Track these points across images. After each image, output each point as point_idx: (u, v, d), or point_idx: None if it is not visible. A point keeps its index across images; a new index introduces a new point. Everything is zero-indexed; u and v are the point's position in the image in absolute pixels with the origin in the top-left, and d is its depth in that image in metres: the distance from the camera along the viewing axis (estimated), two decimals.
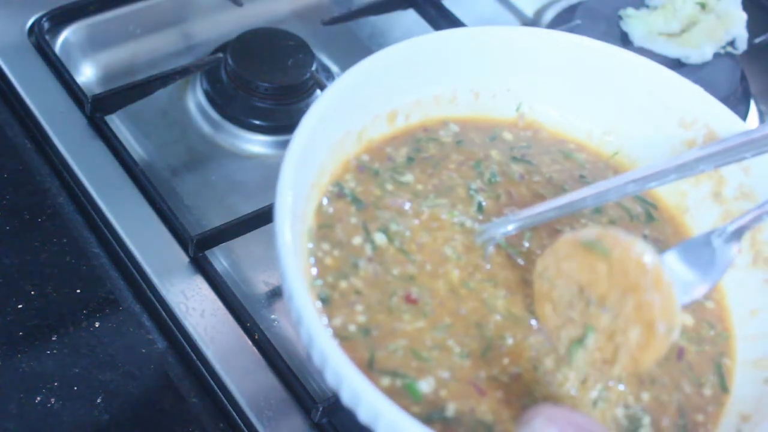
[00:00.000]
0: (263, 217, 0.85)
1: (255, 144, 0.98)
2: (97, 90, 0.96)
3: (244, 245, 0.86)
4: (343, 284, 0.61)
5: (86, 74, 1.01)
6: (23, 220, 0.83)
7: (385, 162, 0.70)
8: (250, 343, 0.77)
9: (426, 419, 0.54)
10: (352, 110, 0.67)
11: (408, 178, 0.69)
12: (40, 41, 0.96)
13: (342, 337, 0.58)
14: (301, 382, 0.75)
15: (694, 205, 0.74)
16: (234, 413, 0.74)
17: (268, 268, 0.86)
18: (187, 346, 0.77)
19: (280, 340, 0.80)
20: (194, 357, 0.77)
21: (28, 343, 0.75)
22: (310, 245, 0.63)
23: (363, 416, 0.50)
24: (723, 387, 0.65)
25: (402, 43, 0.69)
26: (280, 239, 0.55)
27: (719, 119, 0.72)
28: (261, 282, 0.85)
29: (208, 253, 0.83)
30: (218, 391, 0.75)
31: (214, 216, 0.89)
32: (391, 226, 0.65)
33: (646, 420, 0.61)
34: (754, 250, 0.70)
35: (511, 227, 0.65)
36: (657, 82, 0.74)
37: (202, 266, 0.82)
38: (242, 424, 0.73)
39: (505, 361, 0.60)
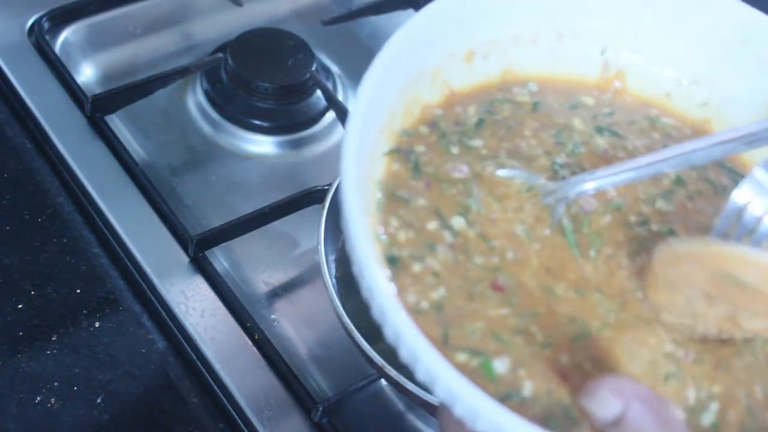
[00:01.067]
0: (263, 217, 0.85)
1: (255, 144, 0.98)
2: (97, 90, 0.96)
3: (244, 245, 0.86)
4: (417, 267, 0.57)
5: (86, 74, 1.01)
6: (23, 220, 0.83)
7: (452, 125, 0.66)
8: (250, 343, 0.77)
9: (502, 399, 0.53)
10: (427, 47, 0.64)
11: (477, 142, 0.65)
12: (40, 41, 0.96)
13: (415, 311, 0.56)
14: (301, 382, 0.75)
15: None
16: (234, 413, 0.74)
17: (268, 268, 0.86)
18: (187, 346, 0.77)
19: (280, 340, 0.80)
20: (194, 357, 0.77)
21: (28, 343, 0.75)
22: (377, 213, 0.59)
23: (439, 394, 0.49)
24: None
25: None
26: (347, 192, 0.51)
27: None
28: (261, 282, 0.85)
29: (208, 253, 0.83)
30: (218, 391, 0.75)
31: (214, 216, 0.89)
32: (471, 206, 0.62)
33: (714, 407, 0.59)
34: None
35: (588, 185, 0.61)
36: (754, 31, 0.69)
37: (202, 266, 0.82)
38: (242, 424, 0.73)
39: (592, 351, 0.58)
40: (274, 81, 0.99)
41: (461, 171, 0.62)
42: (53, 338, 0.75)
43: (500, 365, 0.54)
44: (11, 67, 0.94)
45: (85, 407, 0.72)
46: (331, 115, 1.01)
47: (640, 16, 0.71)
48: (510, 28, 0.69)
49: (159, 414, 0.73)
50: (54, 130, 0.89)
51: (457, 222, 0.60)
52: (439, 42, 0.64)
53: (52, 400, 0.72)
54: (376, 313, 0.49)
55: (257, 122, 0.99)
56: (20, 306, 0.77)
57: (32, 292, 0.78)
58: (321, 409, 0.73)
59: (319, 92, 1.01)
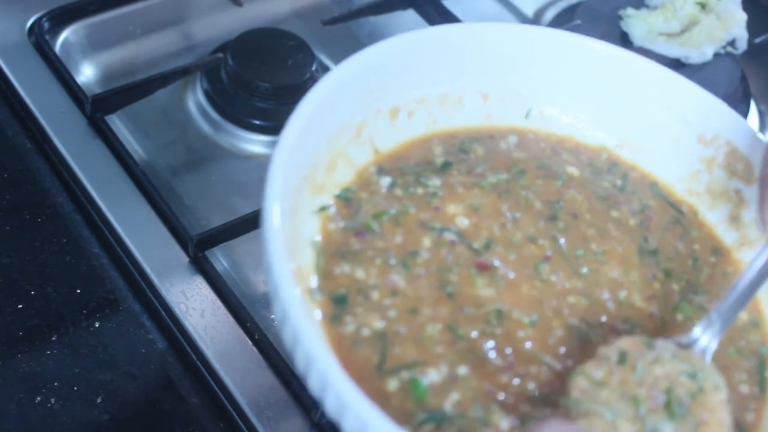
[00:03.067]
0: None
1: (255, 144, 0.98)
2: (97, 90, 0.96)
3: (244, 245, 0.86)
4: (362, 300, 0.57)
5: (86, 74, 1.01)
6: (23, 220, 0.83)
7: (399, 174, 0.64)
8: (250, 343, 0.77)
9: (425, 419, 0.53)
10: (352, 99, 0.63)
11: (435, 181, 0.63)
12: (40, 41, 0.96)
13: (355, 339, 0.55)
14: (301, 382, 0.75)
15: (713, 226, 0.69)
16: (234, 413, 0.74)
17: None
18: (187, 346, 0.77)
19: (280, 340, 0.80)
20: (194, 357, 0.77)
21: (28, 343, 0.75)
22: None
23: (330, 407, 0.49)
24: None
25: (409, 33, 0.65)
26: (267, 217, 0.51)
27: (742, 137, 0.67)
28: (261, 282, 0.85)
29: (208, 253, 0.83)
30: (218, 391, 0.75)
31: (214, 216, 0.89)
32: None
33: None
34: None
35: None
36: (676, 95, 0.69)
37: (202, 266, 0.82)
38: (242, 424, 0.73)
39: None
40: (274, 81, 0.99)
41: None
42: (53, 338, 0.75)
43: (432, 376, 0.53)
44: (11, 67, 0.94)
45: (85, 407, 0.72)
46: None
47: (567, 81, 0.70)
48: (438, 88, 0.67)
49: (159, 414, 0.73)
50: (54, 130, 0.89)
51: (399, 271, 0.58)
52: (365, 95, 0.64)
53: (52, 400, 0.72)
54: (288, 337, 0.49)
55: (257, 122, 0.99)
56: (20, 306, 0.77)
57: (32, 292, 0.78)
58: (321, 409, 0.73)
59: None
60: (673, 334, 0.61)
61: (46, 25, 0.98)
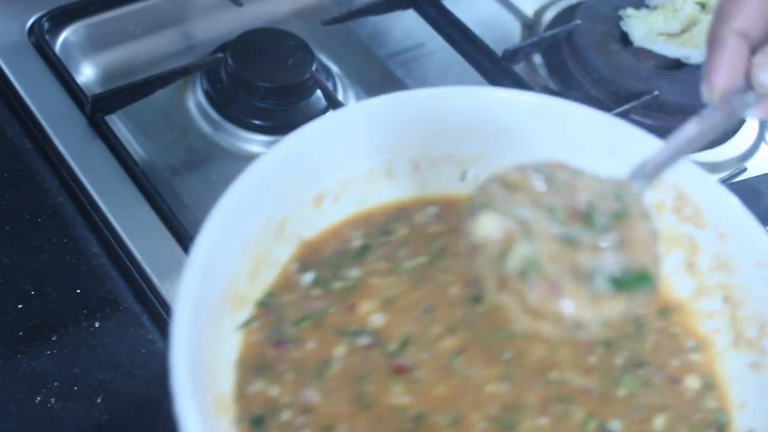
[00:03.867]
0: None
1: (255, 144, 0.98)
2: (97, 90, 0.96)
3: None
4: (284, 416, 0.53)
5: (86, 74, 1.01)
6: (23, 220, 0.83)
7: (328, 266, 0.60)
8: None
9: None
10: (269, 198, 0.58)
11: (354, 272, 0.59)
12: (40, 41, 0.96)
13: None
14: None
15: (663, 278, 0.63)
16: None
17: None
18: None
19: None
20: None
21: (28, 343, 0.75)
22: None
23: None
24: None
25: (326, 115, 0.61)
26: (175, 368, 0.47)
27: (689, 180, 0.63)
28: None
29: None
30: None
31: None
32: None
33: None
34: (735, 330, 0.61)
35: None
36: (618, 139, 0.65)
37: None
38: None
39: None
40: (274, 81, 0.99)
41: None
42: (53, 338, 0.75)
43: None
44: (11, 67, 0.94)
45: (85, 407, 0.72)
46: None
47: (500, 137, 0.65)
48: (364, 165, 0.63)
49: (159, 414, 0.73)
50: (54, 130, 0.89)
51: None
52: (285, 190, 0.59)
53: (52, 400, 0.72)
54: None
55: (257, 122, 0.99)
56: (20, 306, 0.77)
57: (32, 292, 0.78)
58: None
59: (319, 92, 1.01)
60: (616, 411, 0.57)
61: (46, 25, 0.98)
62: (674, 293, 0.64)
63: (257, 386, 0.54)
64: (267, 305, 0.57)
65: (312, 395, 0.54)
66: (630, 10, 1.17)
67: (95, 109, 0.91)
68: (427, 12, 1.13)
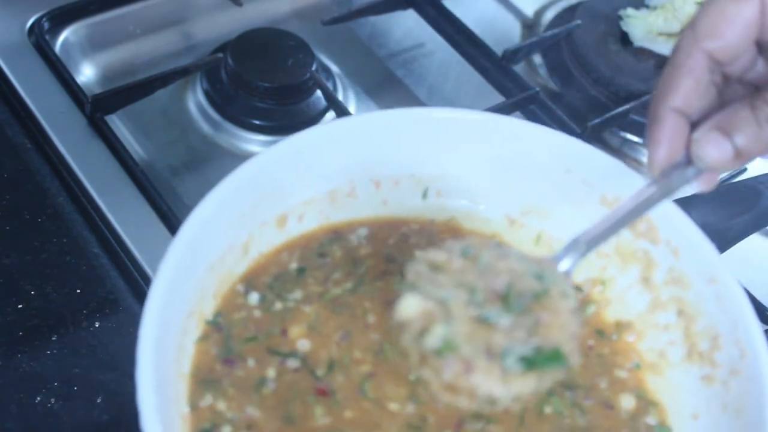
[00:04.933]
0: None
1: (255, 144, 0.98)
2: (97, 90, 0.96)
3: None
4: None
5: (86, 74, 1.01)
6: (23, 220, 0.83)
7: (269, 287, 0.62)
8: None
9: None
10: (234, 220, 0.59)
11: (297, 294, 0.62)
12: (40, 41, 0.96)
13: None
14: None
15: (620, 293, 0.65)
16: None
17: None
18: None
19: None
20: None
21: (28, 343, 0.75)
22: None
23: None
24: None
25: (289, 138, 0.61)
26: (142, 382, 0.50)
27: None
28: None
29: None
30: None
31: None
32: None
33: None
34: (689, 343, 0.62)
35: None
36: (574, 158, 0.65)
37: None
38: None
39: None
40: (274, 81, 0.99)
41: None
42: (53, 338, 0.75)
43: None
44: (11, 67, 0.94)
45: (85, 407, 0.72)
46: (331, 115, 1.01)
47: (460, 157, 0.66)
48: (326, 185, 0.64)
49: None
50: (54, 130, 0.89)
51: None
52: (247, 212, 0.60)
53: (52, 400, 0.72)
54: None
55: (257, 122, 0.99)
56: (20, 306, 0.77)
57: (32, 292, 0.78)
58: None
59: (319, 92, 1.01)
60: (539, 430, 0.59)
61: (46, 25, 0.98)
62: (629, 310, 0.66)
63: (207, 400, 0.56)
64: (216, 324, 0.59)
65: (253, 412, 0.56)
66: (630, 10, 1.17)
67: (95, 109, 0.91)
68: (427, 12, 1.13)
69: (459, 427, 0.57)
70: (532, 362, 0.49)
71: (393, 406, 0.57)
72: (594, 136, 1.04)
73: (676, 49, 0.55)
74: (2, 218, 0.82)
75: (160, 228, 0.84)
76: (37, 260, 0.80)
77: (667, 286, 0.63)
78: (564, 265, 0.55)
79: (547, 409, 0.59)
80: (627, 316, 0.65)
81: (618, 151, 1.09)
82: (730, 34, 0.53)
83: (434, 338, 0.49)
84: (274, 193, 0.62)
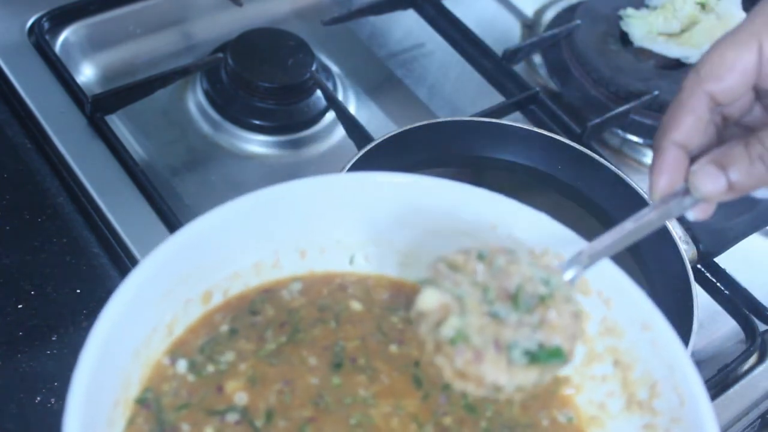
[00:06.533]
0: None
1: (255, 144, 0.98)
2: (97, 90, 0.96)
3: None
4: None
5: (86, 74, 1.01)
6: (23, 220, 0.83)
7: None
8: None
9: None
10: (157, 301, 0.58)
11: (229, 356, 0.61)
12: (40, 41, 0.96)
13: None
14: None
15: None
16: None
17: None
18: None
19: None
20: None
21: (28, 343, 0.75)
22: None
23: None
24: None
25: (208, 213, 0.59)
26: None
27: (569, 246, 0.63)
28: None
29: None
30: None
31: None
32: None
33: None
34: (627, 392, 0.62)
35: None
36: (498, 214, 0.65)
37: None
38: None
39: None
40: (274, 81, 0.99)
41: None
42: (53, 338, 0.75)
43: None
44: (11, 67, 0.94)
45: None
46: (331, 115, 1.01)
47: (381, 220, 0.66)
48: (249, 258, 0.64)
49: None
50: (54, 130, 0.89)
51: None
52: (168, 293, 0.59)
53: (52, 400, 0.72)
54: None
55: (257, 122, 0.99)
56: (20, 306, 0.77)
57: (32, 292, 0.78)
58: None
59: (319, 92, 1.01)
60: None
61: (46, 25, 0.98)
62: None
63: None
64: (144, 400, 0.59)
65: None
66: (630, 10, 1.17)
67: (95, 109, 0.91)
68: (427, 12, 1.13)
69: None
70: (535, 356, 0.54)
71: None
72: (594, 136, 1.04)
73: (680, 89, 0.60)
74: (2, 218, 0.82)
75: (160, 228, 0.84)
76: (37, 260, 0.80)
77: (602, 337, 0.64)
78: (568, 275, 0.59)
79: None
80: (564, 370, 0.64)
81: (618, 151, 1.09)
82: (730, 78, 0.58)
83: (449, 328, 0.54)
84: (196, 271, 0.61)
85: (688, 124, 0.59)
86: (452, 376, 0.55)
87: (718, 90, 0.58)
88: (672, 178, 0.59)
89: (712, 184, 0.57)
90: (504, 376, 0.54)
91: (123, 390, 0.56)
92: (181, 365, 0.60)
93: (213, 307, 0.63)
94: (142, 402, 0.58)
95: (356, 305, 0.65)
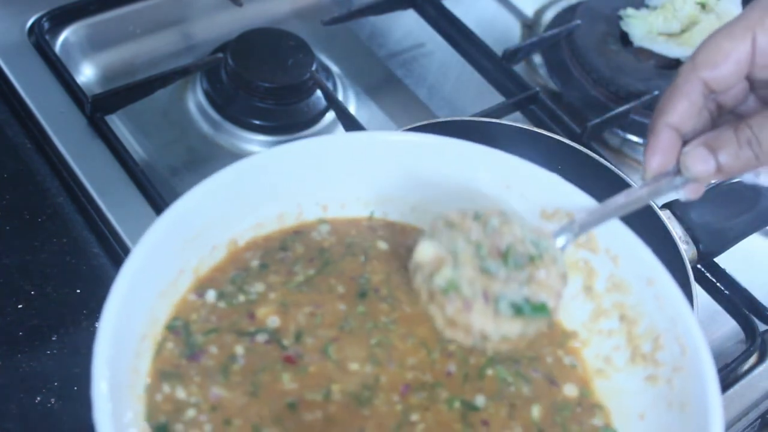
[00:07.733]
0: None
1: (255, 144, 0.98)
2: (97, 90, 0.96)
3: None
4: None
5: (86, 74, 1.01)
6: (23, 220, 0.83)
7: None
8: None
9: None
10: (183, 247, 0.61)
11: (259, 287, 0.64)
12: (40, 41, 0.96)
13: None
14: None
15: (564, 304, 0.65)
16: None
17: None
18: None
19: None
20: None
21: (28, 343, 0.75)
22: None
23: None
24: None
25: (231, 166, 0.62)
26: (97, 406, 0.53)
27: (580, 207, 0.66)
28: None
29: None
30: None
31: None
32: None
33: None
34: (632, 346, 0.64)
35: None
36: (512, 174, 0.68)
37: None
38: None
39: None
40: (274, 81, 0.99)
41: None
42: (53, 338, 0.75)
43: None
44: (11, 67, 0.94)
45: (85, 407, 0.72)
46: (331, 115, 1.01)
47: (400, 178, 0.68)
48: (273, 209, 0.67)
49: None
50: (54, 130, 0.89)
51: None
52: (195, 239, 0.62)
53: (52, 400, 0.72)
54: None
55: (257, 122, 0.99)
56: (20, 306, 0.77)
57: (32, 292, 0.78)
58: None
59: (319, 92, 1.01)
60: (478, 389, 0.62)
61: (46, 25, 0.98)
62: (573, 319, 0.67)
63: (164, 391, 0.59)
64: (174, 327, 0.61)
65: (219, 391, 0.59)
66: (630, 10, 1.17)
67: (95, 109, 0.91)
68: (427, 12, 1.13)
69: (408, 389, 0.61)
70: (520, 309, 0.58)
71: (353, 366, 0.61)
72: (594, 136, 1.04)
73: (677, 74, 0.62)
74: (2, 218, 0.82)
75: None
76: (37, 260, 0.80)
77: (609, 293, 0.66)
78: (559, 242, 0.62)
79: (489, 371, 0.64)
80: (572, 325, 0.67)
81: (618, 151, 1.09)
82: (724, 66, 0.60)
83: (442, 279, 0.58)
84: (222, 220, 0.64)
85: (683, 108, 0.62)
86: (443, 324, 0.59)
87: (711, 77, 0.60)
88: (665, 158, 0.62)
89: (701, 165, 0.60)
90: (490, 325, 0.57)
91: (151, 326, 0.59)
92: (210, 295, 0.63)
93: (240, 247, 0.66)
94: (171, 329, 0.61)
95: (383, 245, 0.69)
